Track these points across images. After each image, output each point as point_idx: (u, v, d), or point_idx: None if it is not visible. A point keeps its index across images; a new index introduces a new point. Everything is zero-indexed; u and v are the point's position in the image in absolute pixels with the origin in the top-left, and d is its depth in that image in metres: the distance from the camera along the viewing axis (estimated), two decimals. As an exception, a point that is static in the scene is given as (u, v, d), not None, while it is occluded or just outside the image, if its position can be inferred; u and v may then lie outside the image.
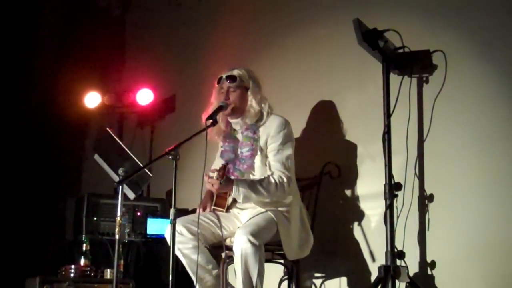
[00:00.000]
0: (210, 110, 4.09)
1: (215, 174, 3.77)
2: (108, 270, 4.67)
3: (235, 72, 4.15)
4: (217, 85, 4.20)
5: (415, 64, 4.20)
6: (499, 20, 4.06)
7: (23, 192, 5.99)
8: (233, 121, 4.21)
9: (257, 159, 4.10)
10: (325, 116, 4.77)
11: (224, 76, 4.16)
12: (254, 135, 4.12)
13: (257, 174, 4.08)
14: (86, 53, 6.67)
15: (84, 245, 4.74)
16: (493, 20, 4.08)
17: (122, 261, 4.66)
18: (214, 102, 4.19)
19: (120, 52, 6.88)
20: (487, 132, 4.02)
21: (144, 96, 6.19)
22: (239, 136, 4.19)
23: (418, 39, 4.20)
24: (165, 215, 5.15)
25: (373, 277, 4.17)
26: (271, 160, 4.07)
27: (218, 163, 4.27)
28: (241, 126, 4.17)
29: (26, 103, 6.20)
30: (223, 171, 3.78)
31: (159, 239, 4.92)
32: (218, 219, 4.09)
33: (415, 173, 4.16)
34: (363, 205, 4.52)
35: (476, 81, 4.10)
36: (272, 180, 3.97)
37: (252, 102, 4.12)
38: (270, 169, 4.05)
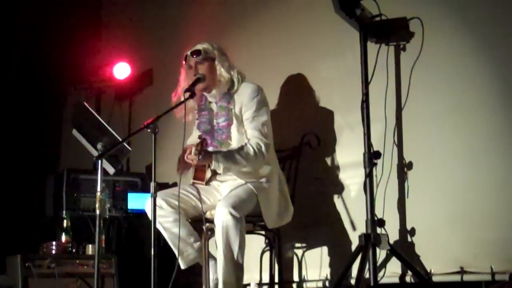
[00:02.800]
0: (179, 90, 4.10)
1: (193, 150, 3.76)
2: (90, 246, 4.66)
3: (199, 46, 4.14)
4: (184, 64, 4.18)
5: (392, 32, 4.20)
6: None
7: (1, 170, 5.94)
8: (207, 93, 4.19)
9: (233, 128, 4.09)
10: (303, 86, 4.75)
11: (189, 53, 4.15)
12: (229, 104, 4.11)
13: (234, 143, 4.08)
14: (63, 27, 6.59)
15: (65, 221, 4.72)
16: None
17: (103, 237, 4.64)
18: (183, 82, 4.18)
19: (97, 26, 6.80)
20: (465, 98, 4.03)
21: (121, 70, 6.15)
22: (214, 106, 4.18)
23: (395, 7, 4.19)
24: (146, 190, 5.14)
25: (353, 246, 4.20)
26: (247, 128, 4.06)
27: (195, 135, 4.27)
28: (215, 97, 4.16)
29: (2, 80, 6.13)
30: (201, 146, 3.77)
31: (140, 214, 4.91)
32: (198, 192, 4.09)
33: (394, 141, 4.18)
34: (343, 174, 4.53)
35: (453, 47, 4.10)
36: (251, 148, 3.97)
37: (221, 71, 4.11)
38: (247, 137, 4.05)
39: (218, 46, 4.19)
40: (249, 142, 4.01)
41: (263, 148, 4.00)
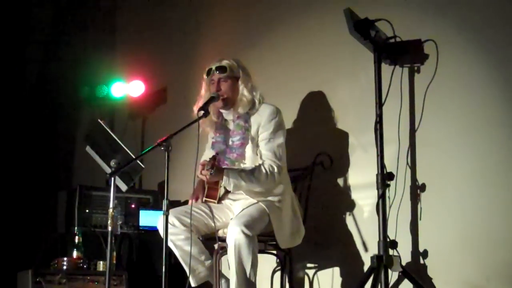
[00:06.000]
0: (201, 103, 4.08)
1: (205, 165, 3.77)
2: (101, 262, 4.67)
3: (225, 63, 4.14)
4: (206, 77, 4.18)
5: (407, 54, 4.20)
6: (490, 8, 4.05)
7: (14, 185, 5.97)
8: (224, 111, 4.20)
9: (248, 148, 4.09)
10: (317, 107, 4.76)
11: (213, 67, 4.14)
12: (246, 124, 4.11)
13: (248, 163, 4.08)
14: (77, 44, 6.64)
15: (77, 237, 4.74)
16: (484, 8, 4.07)
17: (115, 253, 4.65)
18: (205, 94, 4.18)
19: (111, 43, 6.85)
20: (479, 120, 4.02)
21: (136, 88, 6.19)
22: (231, 125, 4.19)
23: (410, 28, 4.20)
24: (158, 207, 5.15)
25: (365, 267, 4.18)
26: (262, 149, 4.06)
27: (208, 154, 4.27)
28: (233, 116, 4.16)
29: (16, 96, 6.17)
30: (213, 161, 3.77)
31: (152, 231, 4.91)
32: (211, 210, 4.09)
33: (407, 163, 4.16)
34: (356, 195, 4.52)
35: (467, 69, 4.09)
36: (263, 169, 3.97)
37: (244, 91, 4.11)
38: (261, 158, 4.05)
39: (242, 64, 4.19)
40: (263, 163, 4.02)
41: (276, 170, 4.00)
